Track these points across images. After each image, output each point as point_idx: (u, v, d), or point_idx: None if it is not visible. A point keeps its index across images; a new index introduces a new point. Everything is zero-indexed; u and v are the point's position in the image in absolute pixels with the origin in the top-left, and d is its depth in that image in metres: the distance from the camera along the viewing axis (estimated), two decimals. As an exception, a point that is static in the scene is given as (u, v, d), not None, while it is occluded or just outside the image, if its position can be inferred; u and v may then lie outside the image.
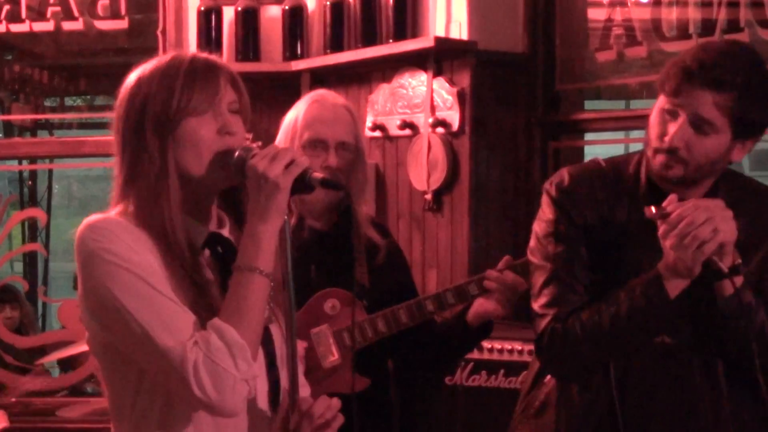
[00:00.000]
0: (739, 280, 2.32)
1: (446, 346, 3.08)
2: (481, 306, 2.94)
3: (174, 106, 1.96)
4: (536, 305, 2.52)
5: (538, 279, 2.53)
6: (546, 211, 2.56)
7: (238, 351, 1.88)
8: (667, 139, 2.34)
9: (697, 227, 2.24)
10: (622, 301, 2.39)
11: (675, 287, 2.34)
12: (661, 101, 2.38)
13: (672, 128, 2.34)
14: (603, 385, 2.49)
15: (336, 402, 2.07)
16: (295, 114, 3.06)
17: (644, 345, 2.44)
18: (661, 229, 2.30)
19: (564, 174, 2.57)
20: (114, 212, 2.00)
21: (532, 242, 2.59)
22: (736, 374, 2.49)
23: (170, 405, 1.96)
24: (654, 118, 2.40)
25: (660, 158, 2.38)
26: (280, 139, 3.05)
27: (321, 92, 3.16)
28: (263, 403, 2.07)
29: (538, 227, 2.58)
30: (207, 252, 2.05)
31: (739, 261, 2.32)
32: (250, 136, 2.04)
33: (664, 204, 2.30)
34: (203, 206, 2.05)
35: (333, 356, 2.99)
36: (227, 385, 1.87)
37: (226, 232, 2.10)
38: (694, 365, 2.48)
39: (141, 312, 1.88)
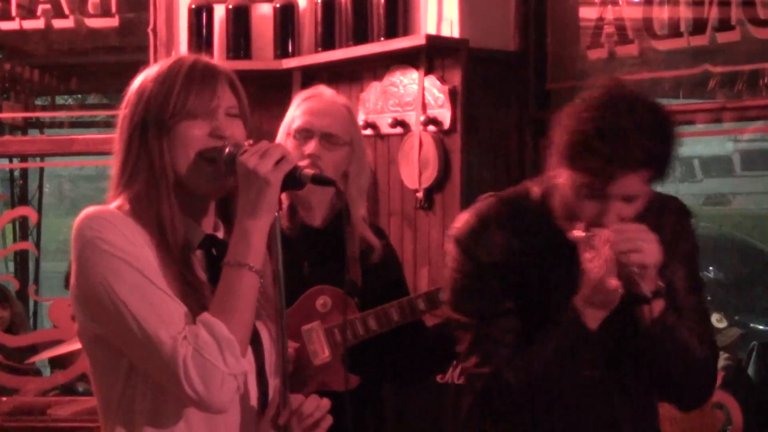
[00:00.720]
0: (661, 303, 2.33)
1: (438, 349, 3.08)
2: None
3: (170, 109, 1.98)
4: (469, 364, 2.47)
5: (465, 337, 2.48)
6: (454, 260, 2.50)
7: (226, 346, 1.89)
8: (606, 222, 2.29)
9: (624, 252, 2.24)
10: (546, 345, 2.38)
11: (594, 319, 2.33)
12: (577, 181, 2.30)
13: (598, 208, 2.30)
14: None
15: (326, 402, 2.08)
16: (292, 109, 3.08)
17: (574, 381, 2.42)
18: (585, 255, 2.30)
19: (467, 217, 2.51)
20: (114, 204, 2.02)
21: (449, 294, 2.54)
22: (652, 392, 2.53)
23: (161, 399, 1.96)
24: (571, 194, 2.33)
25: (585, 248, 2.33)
26: (280, 136, 3.06)
27: (320, 88, 3.17)
28: (253, 400, 2.07)
29: (451, 280, 2.52)
30: (200, 253, 2.06)
31: (662, 285, 2.32)
32: (248, 142, 2.04)
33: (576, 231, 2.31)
34: (199, 208, 2.06)
35: (324, 353, 2.99)
36: (215, 380, 1.88)
37: (220, 234, 2.10)
38: (615, 392, 2.49)
39: (135, 303, 1.88)
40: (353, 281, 3.01)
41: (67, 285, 7.20)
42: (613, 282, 2.26)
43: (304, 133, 3.00)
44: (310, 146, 2.97)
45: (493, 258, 2.45)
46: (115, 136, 2.07)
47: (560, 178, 2.36)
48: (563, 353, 2.36)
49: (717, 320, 5.65)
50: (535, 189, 2.51)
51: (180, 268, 1.97)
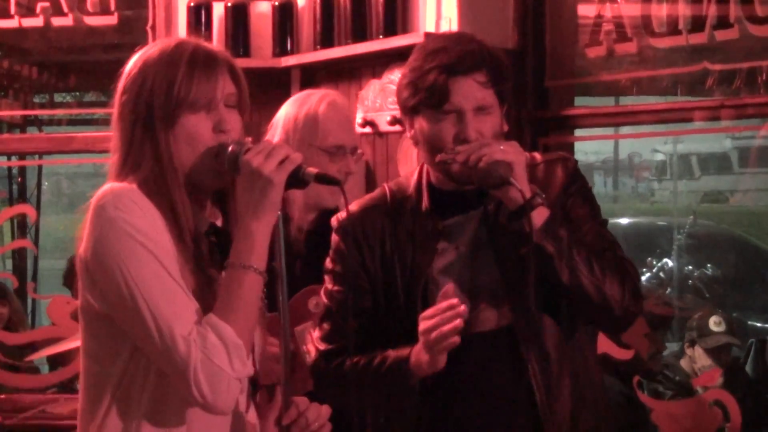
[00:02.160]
0: (544, 211, 2.40)
1: None
2: None
3: (174, 98, 1.97)
4: (315, 335, 2.64)
5: (322, 317, 2.65)
6: (333, 247, 2.64)
7: (234, 350, 1.89)
8: (464, 137, 2.41)
9: (486, 154, 2.35)
10: (377, 365, 2.49)
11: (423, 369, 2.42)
12: (428, 114, 2.47)
13: (456, 127, 2.44)
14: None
15: (326, 410, 2.08)
16: (304, 113, 3.05)
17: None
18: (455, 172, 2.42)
19: (353, 206, 2.62)
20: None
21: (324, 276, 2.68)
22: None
23: (164, 385, 1.95)
24: (428, 129, 2.47)
25: (456, 166, 2.42)
26: (279, 135, 3.04)
27: (332, 94, 3.16)
28: (242, 396, 2.08)
29: (326, 261, 2.66)
30: (205, 242, 2.06)
31: (542, 194, 2.40)
32: (249, 140, 2.04)
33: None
34: (201, 197, 2.06)
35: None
36: (222, 384, 1.88)
37: (219, 223, 2.11)
38: (526, 346, 2.49)
39: (152, 294, 1.88)
40: None
41: (65, 283, 7.20)
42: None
43: (339, 150, 3.02)
44: (351, 165, 3.02)
45: (358, 248, 2.58)
46: (114, 122, 2.05)
47: (416, 128, 2.51)
48: (391, 400, 2.52)
49: (715, 323, 5.62)
50: (415, 171, 2.66)
51: (194, 257, 1.97)
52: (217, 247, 2.07)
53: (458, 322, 2.31)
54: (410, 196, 2.60)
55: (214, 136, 2.00)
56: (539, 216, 2.38)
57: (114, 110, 2.06)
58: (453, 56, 2.43)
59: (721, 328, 5.56)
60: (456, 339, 2.32)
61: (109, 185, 1.98)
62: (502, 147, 2.38)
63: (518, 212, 2.38)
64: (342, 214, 2.60)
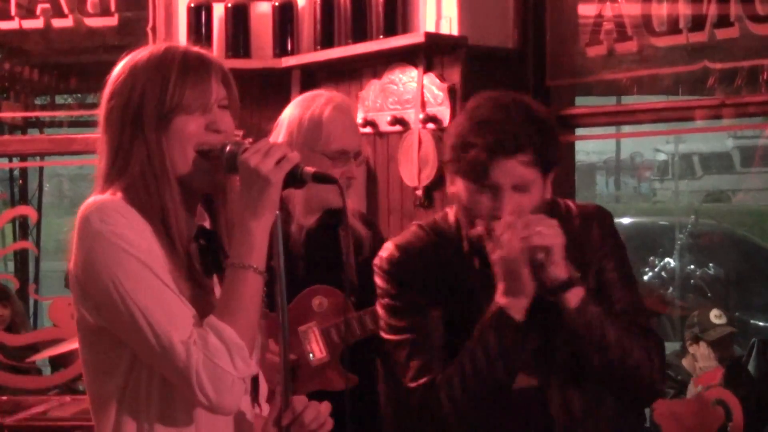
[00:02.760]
0: (579, 291, 2.37)
1: None
2: None
3: (167, 102, 1.96)
4: (407, 381, 2.51)
5: (400, 356, 2.53)
6: (385, 288, 2.57)
7: (236, 351, 1.89)
8: (500, 215, 2.37)
9: (520, 231, 2.31)
10: (476, 346, 2.40)
11: (518, 309, 2.37)
12: (464, 187, 2.43)
13: (493, 202, 2.39)
14: None
15: (326, 407, 2.08)
16: (309, 116, 3.05)
17: (508, 391, 2.45)
18: (489, 249, 2.37)
19: (391, 247, 2.59)
20: (105, 194, 1.99)
21: (382, 323, 2.60)
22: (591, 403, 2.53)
23: (169, 389, 1.96)
24: (467, 197, 2.44)
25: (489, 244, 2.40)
26: (283, 136, 3.04)
27: (338, 98, 3.15)
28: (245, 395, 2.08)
29: (381, 307, 2.59)
30: (193, 245, 2.06)
31: (577, 274, 2.37)
32: (241, 133, 2.04)
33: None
34: (192, 199, 2.05)
35: (321, 353, 2.99)
36: (226, 385, 1.88)
37: (207, 224, 2.10)
38: (554, 407, 2.50)
39: (148, 304, 1.88)
40: (350, 280, 3.01)
41: (67, 284, 7.20)
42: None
43: (341, 155, 3.01)
44: (353, 170, 3.01)
45: (416, 282, 2.52)
46: (102, 126, 2.04)
47: (455, 188, 2.48)
48: (494, 352, 2.38)
49: (716, 316, 5.65)
50: (450, 212, 2.60)
51: (185, 263, 1.97)
52: (206, 249, 2.06)
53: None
54: (453, 238, 2.57)
55: (206, 135, 2.00)
56: (574, 296, 2.37)
57: (101, 115, 2.05)
58: (498, 137, 2.37)
59: (723, 321, 5.59)
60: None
61: (92, 198, 1.96)
62: (539, 229, 2.33)
63: (554, 290, 2.38)
64: (385, 256, 2.57)
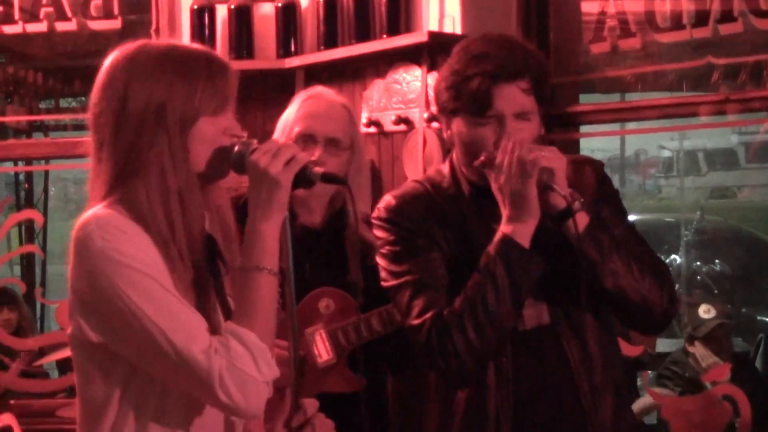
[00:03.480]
0: (585, 216, 2.40)
1: None
2: None
3: (196, 103, 1.94)
4: (410, 320, 2.49)
5: (403, 298, 2.52)
6: (384, 237, 2.58)
7: (259, 355, 1.88)
8: (505, 143, 2.40)
9: (524, 152, 2.35)
10: (483, 276, 2.40)
11: (523, 235, 2.38)
12: (468, 119, 2.46)
13: (495, 134, 2.43)
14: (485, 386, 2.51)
15: (330, 424, 2.08)
16: (290, 110, 3.06)
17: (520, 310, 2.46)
18: (490, 178, 2.40)
19: (389, 197, 2.61)
20: (101, 207, 1.95)
21: (383, 273, 2.60)
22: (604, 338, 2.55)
23: (164, 405, 1.95)
24: (468, 133, 2.47)
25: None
26: (276, 135, 3.05)
27: (318, 88, 3.16)
28: None
29: (381, 258, 2.59)
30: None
31: (581, 198, 2.39)
32: (245, 134, 2.04)
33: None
34: (198, 203, 2.05)
35: (328, 356, 2.99)
36: (252, 389, 1.88)
37: (206, 227, 2.09)
38: (567, 343, 2.52)
39: (161, 318, 1.85)
40: (355, 282, 3.01)
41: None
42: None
43: (306, 139, 2.99)
44: (315, 153, 2.96)
45: (414, 227, 2.53)
46: (111, 128, 1.98)
47: (453, 129, 2.52)
48: (503, 279, 2.38)
49: (704, 312, 5.64)
50: (443, 166, 2.65)
51: (189, 272, 1.96)
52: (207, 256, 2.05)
53: None
54: (449, 187, 2.60)
55: (224, 138, 1.99)
56: (580, 221, 2.39)
57: (105, 115, 2.00)
58: (498, 63, 2.42)
59: (711, 315, 5.58)
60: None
61: (90, 212, 1.92)
62: (542, 153, 2.37)
63: (559, 217, 2.40)
64: (382, 206, 2.59)
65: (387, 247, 2.57)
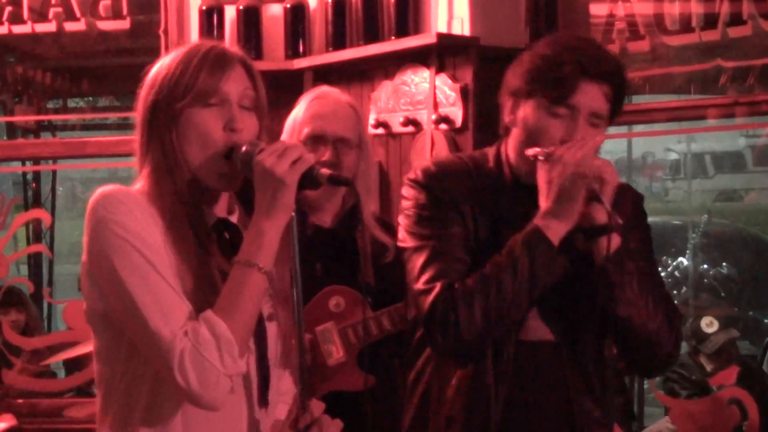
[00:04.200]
0: (617, 239, 2.37)
1: None
2: None
3: (180, 90, 1.97)
4: (419, 284, 2.46)
5: (417, 261, 2.48)
6: (414, 198, 2.55)
7: (225, 346, 1.89)
8: (572, 140, 2.38)
9: (584, 153, 2.32)
10: (505, 260, 2.38)
11: (556, 232, 2.36)
12: (542, 102, 2.42)
13: (563, 129, 2.40)
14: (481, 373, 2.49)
15: (339, 423, 2.08)
16: (297, 111, 3.07)
17: (531, 303, 2.43)
18: (542, 170, 2.37)
19: (429, 163, 2.59)
20: (135, 187, 2.02)
21: (402, 233, 2.57)
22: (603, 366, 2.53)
23: (160, 384, 1.96)
24: (534, 119, 2.43)
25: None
26: (284, 136, 3.06)
27: (324, 89, 3.17)
28: (253, 393, 2.08)
29: (406, 218, 2.56)
30: (214, 237, 2.05)
31: (619, 221, 2.34)
32: (263, 142, 2.04)
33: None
34: (211, 191, 2.05)
35: (338, 354, 3.00)
36: (211, 378, 1.88)
37: (234, 218, 2.10)
38: (567, 363, 2.50)
39: (140, 292, 1.89)
40: (366, 281, 3.01)
41: (80, 288, 7.22)
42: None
43: (316, 139, 2.99)
44: (326, 153, 2.97)
45: (448, 198, 2.50)
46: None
47: (521, 112, 2.47)
48: (524, 267, 2.36)
49: (707, 325, 5.60)
50: (489, 150, 2.61)
51: (193, 254, 1.97)
52: (228, 242, 2.06)
53: None
54: (491, 170, 2.57)
55: (225, 135, 2.00)
56: (613, 241, 2.37)
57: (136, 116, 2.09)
58: (591, 58, 2.40)
59: (714, 328, 5.54)
60: None
61: (100, 188, 1.98)
62: (599, 162, 2.35)
63: (593, 231, 2.38)
64: (420, 169, 2.57)
65: (414, 209, 2.53)
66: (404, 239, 2.55)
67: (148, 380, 1.97)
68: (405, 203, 2.57)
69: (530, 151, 2.41)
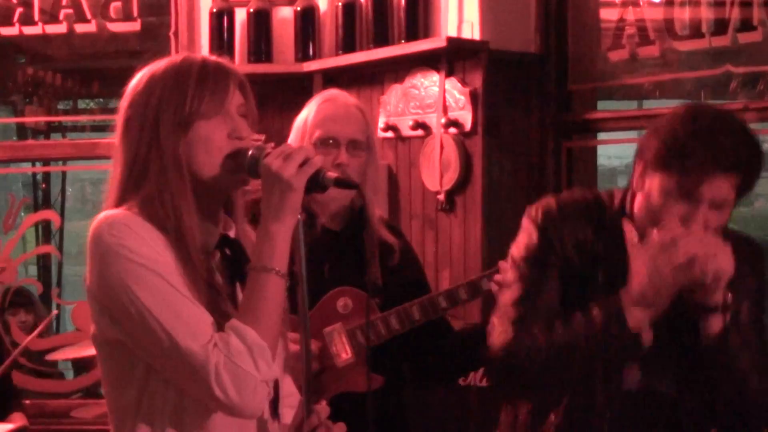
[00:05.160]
0: (725, 318, 2.31)
1: (463, 355, 3.08)
2: None
3: (187, 109, 1.96)
4: (497, 319, 2.49)
5: (507, 296, 2.51)
6: (527, 236, 2.54)
7: (258, 353, 1.88)
8: (689, 225, 2.31)
9: (693, 250, 2.25)
10: (578, 323, 2.36)
11: (636, 318, 2.31)
12: (668, 184, 2.34)
13: (682, 212, 2.32)
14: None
15: (342, 426, 2.08)
16: (307, 113, 3.07)
17: (593, 375, 2.41)
18: (639, 249, 2.32)
19: (551, 202, 2.55)
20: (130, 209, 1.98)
21: (509, 259, 2.58)
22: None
23: (183, 404, 1.95)
24: (657, 197, 2.36)
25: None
26: (292, 138, 3.06)
27: (332, 91, 3.17)
28: (265, 411, 2.06)
29: (516, 250, 2.55)
30: (216, 255, 2.05)
31: (730, 302, 2.30)
32: (262, 137, 2.04)
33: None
34: (213, 209, 2.05)
35: (347, 355, 3.00)
36: (249, 387, 1.87)
37: (232, 234, 2.10)
38: (658, 413, 2.47)
39: (162, 312, 1.87)
40: (374, 281, 3.02)
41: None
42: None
43: (328, 143, 3.00)
44: (341, 156, 2.98)
45: (559, 245, 2.49)
46: (118, 138, 2.05)
47: (648, 182, 2.39)
48: (592, 339, 2.34)
49: None
50: (616, 193, 2.54)
51: (201, 273, 1.96)
52: (230, 259, 2.06)
53: None
54: (615, 213, 2.52)
55: (229, 142, 2.00)
56: (718, 321, 2.33)
57: (118, 124, 2.06)
58: (726, 149, 2.29)
59: None
60: None
61: (102, 214, 1.96)
62: (716, 255, 2.27)
63: (700, 309, 2.34)
64: (541, 206, 2.55)
65: (524, 244, 2.54)
66: (505, 268, 2.61)
67: (171, 398, 1.96)
68: (521, 233, 2.57)
69: (652, 233, 2.34)
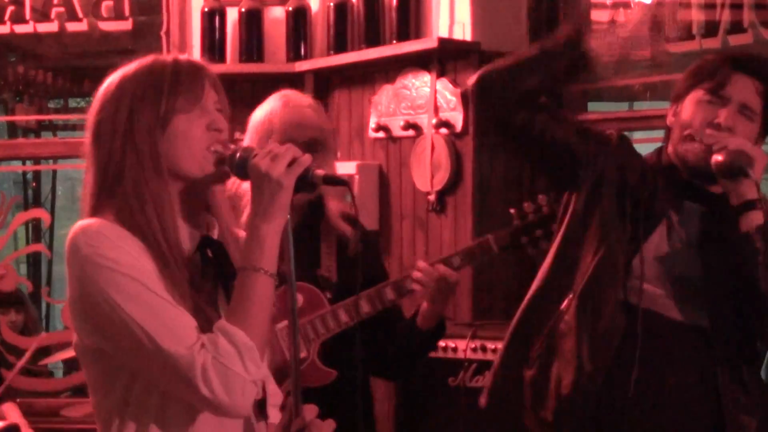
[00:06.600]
0: (761, 216, 2.42)
1: (405, 347, 3.10)
2: (422, 306, 3.00)
3: (163, 107, 1.95)
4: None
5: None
6: None
7: (246, 353, 1.87)
8: (719, 121, 2.50)
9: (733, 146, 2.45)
10: None
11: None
12: (698, 95, 2.56)
13: (717, 114, 2.52)
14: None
15: (331, 423, 2.08)
16: (267, 116, 3.05)
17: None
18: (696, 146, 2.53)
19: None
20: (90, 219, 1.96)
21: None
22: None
23: (166, 408, 1.95)
24: (691, 110, 2.56)
25: (698, 145, 2.52)
26: (251, 137, 3.04)
27: (286, 93, 3.15)
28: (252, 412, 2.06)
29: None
30: (197, 256, 2.04)
31: (764, 200, 2.44)
32: (243, 136, 2.04)
33: None
34: (195, 208, 2.04)
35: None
36: (237, 387, 1.86)
37: (215, 234, 2.09)
38: (718, 358, 2.52)
39: (145, 319, 1.85)
40: (324, 276, 3.02)
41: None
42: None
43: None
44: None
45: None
46: (90, 142, 2.02)
47: (681, 108, 2.62)
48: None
49: None
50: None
51: (183, 276, 1.95)
52: (211, 260, 2.05)
53: None
54: (655, 163, 2.69)
55: (208, 135, 1.99)
56: (755, 218, 2.42)
57: (88, 133, 2.03)
58: (746, 55, 2.66)
59: None
60: None
61: (78, 224, 1.94)
62: (749, 145, 2.46)
63: (740, 208, 2.44)
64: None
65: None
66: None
67: (154, 403, 1.95)
68: None
69: (685, 132, 2.55)
